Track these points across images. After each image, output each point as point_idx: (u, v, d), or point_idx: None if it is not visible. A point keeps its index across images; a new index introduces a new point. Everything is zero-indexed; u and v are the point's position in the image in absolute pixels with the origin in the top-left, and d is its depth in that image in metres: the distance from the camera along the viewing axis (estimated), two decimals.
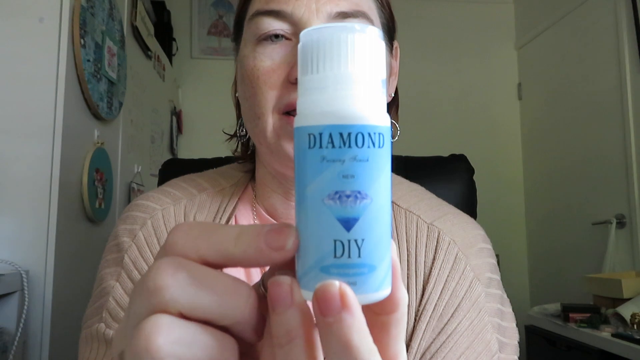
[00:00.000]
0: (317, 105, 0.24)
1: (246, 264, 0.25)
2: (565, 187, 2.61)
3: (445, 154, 1.02)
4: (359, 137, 0.23)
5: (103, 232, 1.46)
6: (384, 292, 0.24)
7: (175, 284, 0.23)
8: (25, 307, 1.09)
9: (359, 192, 0.23)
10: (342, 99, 0.23)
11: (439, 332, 0.54)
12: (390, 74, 0.64)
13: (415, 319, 0.55)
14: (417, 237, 0.59)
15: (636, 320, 1.65)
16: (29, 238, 1.17)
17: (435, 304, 0.55)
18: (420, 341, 0.54)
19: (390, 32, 0.62)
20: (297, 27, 0.54)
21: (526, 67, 3.06)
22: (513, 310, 0.61)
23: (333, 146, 0.23)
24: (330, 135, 0.23)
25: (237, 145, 0.70)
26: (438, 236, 0.59)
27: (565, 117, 2.63)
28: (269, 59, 0.54)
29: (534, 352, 2.10)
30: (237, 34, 0.62)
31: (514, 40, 3.16)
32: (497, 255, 0.68)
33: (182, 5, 2.92)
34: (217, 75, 2.76)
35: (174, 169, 1.00)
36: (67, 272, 1.25)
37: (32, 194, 1.18)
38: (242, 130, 0.66)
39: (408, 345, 0.54)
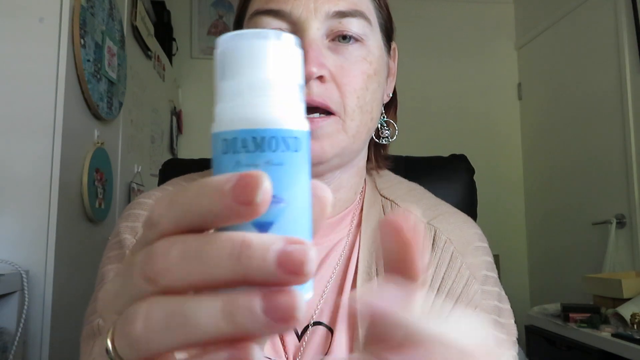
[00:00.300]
0: (232, 111, 0.24)
1: (220, 223, 0.22)
2: (565, 187, 2.61)
3: (446, 154, 1.02)
4: (273, 141, 0.23)
5: (103, 232, 1.46)
6: (306, 296, 0.23)
7: (170, 266, 0.22)
8: (25, 307, 1.09)
9: (274, 197, 0.22)
10: (255, 105, 0.24)
11: None
12: (388, 74, 0.64)
13: None
14: None
15: (636, 320, 1.65)
16: (29, 238, 1.17)
17: (432, 302, 0.55)
18: None
19: (388, 33, 0.63)
20: (295, 27, 0.55)
21: (526, 67, 3.06)
22: (513, 310, 0.61)
23: (247, 151, 0.23)
24: (244, 140, 0.23)
25: None
26: (434, 235, 0.60)
27: (565, 117, 2.63)
28: None
29: (534, 352, 2.10)
30: None
31: (514, 40, 3.16)
32: (497, 256, 0.68)
33: (182, 5, 2.92)
34: None
35: (174, 169, 1.00)
36: (67, 272, 1.25)
37: (32, 194, 1.18)
38: None
39: None
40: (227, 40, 0.24)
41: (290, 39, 0.25)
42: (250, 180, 0.21)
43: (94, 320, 0.55)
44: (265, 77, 0.24)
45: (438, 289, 0.56)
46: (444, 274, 0.57)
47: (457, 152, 1.02)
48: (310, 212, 0.24)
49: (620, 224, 2.20)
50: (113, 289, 0.25)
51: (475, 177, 0.97)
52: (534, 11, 2.94)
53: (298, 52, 0.25)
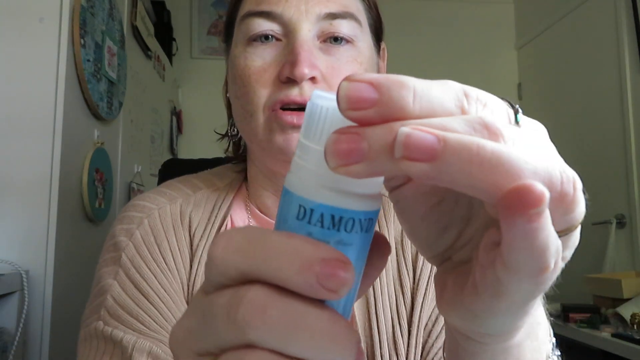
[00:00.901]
0: (316, 180, 0.22)
1: (290, 286, 0.21)
2: None
3: None
4: (349, 223, 0.22)
5: (103, 232, 1.46)
6: None
7: (265, 325, 0.21)
8: (25, 307, 1.09)
9: None
10: (340, 181, 0.22)
11: (435, 304, 0.56)
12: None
13: (412, 296, 0.57)
14: None
15: (636, 320, 1.65)
16: (29, 238, 1.17)
17: (428, 277, 0.57)
18: (420, 314, 0.56)
19: (377, 33, 0.64)
20: (286, 28, 0.55)
21: (526, 67, 3.06)
22: None
23: (322, 226, 0.22)
24: (322, 215, 0.22)
25: (229, 145, 0.71)
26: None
27: (565, 117, 2.63)
28: (260, 58, 0.56)
29: None
30: (227, 35, 0.64)
31: (514, 40, 3.16)
32: None
33: (182, 5, 2.92)
34: (217, 75, 2.76)
35: (174, 169, 1.00)
36: (67, 272, 1.25)
37: (32, 193, 1.18)
38: (234, 130, 0.68)
39: (410, 322, 0.56)
40: (322, 98, 0.23)
41: None
42: (339, 272, 0.20)
43: (90, 322, 0.55)
44: None
45: (430, 269, 0.58)
46: None
47: None
48: (358, 283, 0.25)
49: (620, 224, 2.20)
50: (189, 326, 0.24)
51: None
52: (534, 11, 2.94)
53: None
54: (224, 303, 0.22)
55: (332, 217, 0.22)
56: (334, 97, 0.21)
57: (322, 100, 0.23)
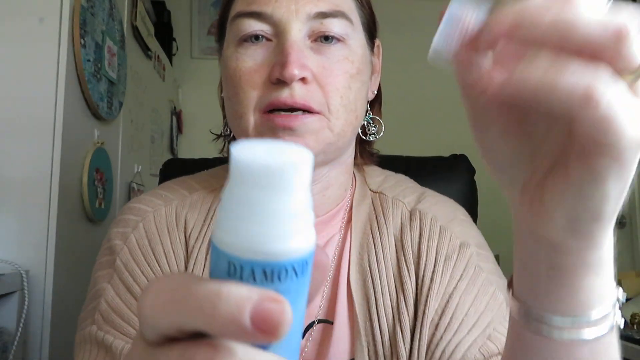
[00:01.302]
0: (243, 234, 0.21)
1: (224, 337, 0.21)
2: None
3: (446, 154, 1.02)
4: (283, 273, 0.22)
5: (103, 232, 1.46)
6: None
7: None
8: (25, 307, 1.09)
9: None
10: (269, 234, 0.21)
11: (442, 296, 0.57)
12: (372, 71, 0.65)
13: (415, 291, 0.58)
14: (402, 220, 0.63)
15: (636, 320, 1.65)
16: (29, 238, 1.16)
17: (432, 271, 0.58)
18: (426, 310, 0.56)
19: (370, 31, 0.64)
20: (277, 28, 0.55)
21: None
22: None
23: (254, 281, 0.21)
24: (253, 271, 0.21)
25: (224, 145, 0.71)
26: (420, 215, 0.62)
27: None
28: (250, 59, 0.56)
29: None
30: (220, 35, 0.64)
31: None
32: (497, 255, 0.68)
33: (182, 5, 2.92)
34: (217, 75, 2.73)
35: (174, 169, 1.00)
36: (67, 272, 1.25)
37: (32, 194, 1.17)
38: (228, 130, 0.67)
39: (415, 318, 0.57)
40: (243, 150, 0.22)
41: (305, 155, 0.22)
42: (274, 312, 0.20)
43: (85, 326, 0.55)
44: (282, 206, 0.21)
45: (435, 260, 0.58)
46: (437, 244, 0.60)
47: (458, 152, 1.02)
48: (301, 329, 0.25)
49: (620, 224, 2.20)
50: None
51: (475, 177, 0.97)
52: None
53: (310, 165, 0.22)
54: None
55: (264, 271, 0.21)
56: (250, 148, 0.22)
57: (239, 153, 0.22)
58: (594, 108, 0.23)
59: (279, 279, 0.22)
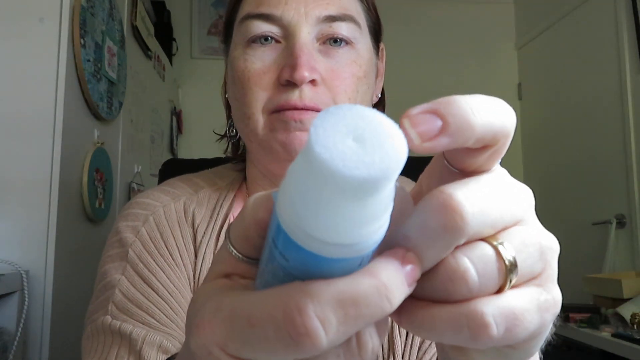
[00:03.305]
0: (299, 217, 0.19)
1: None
2: (565, 187, 2.61)
3: None
4: (353, 262, 0.20)
5: (103, 232, 1.46)
6: None
7: None
8: (25, 307, 1.09)
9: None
10: (325, 227, 0.19)
11: None
12: (376, 75, 0.66)
13: None
14: None
15: (636, 320, 1.65)
16: (29, 238, 1.17)
17: None
18: None
19: (376, 34, 0.64)
20: (286, 31, 0.56)
21: (526, 67, 3.06)
22: None
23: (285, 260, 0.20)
24: (286, 246, 0.20)
25: (228, 145, 0.72)
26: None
27: (565, 117, 2.63)
28: (259, 61, 0.56)
29: None
30: (226, 36, 0.64)
31: (514, 40, 3.16)
32: None
33: (182, 5, 2.92)
34: (217, 75, 2.75)
35: (174, 169, 1.00)
36: (67, 272, 1.25)
37: (32, 193, 1.18)
38: (232, 131, 0.68)
39: None
40: (332, 149, 0.17)
41: (403, 153, 0.18)
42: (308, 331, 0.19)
43: (97, 318, 0.55)
44: (368, 211, 0.19)
45: None
46: None
47: None
48: None
49: (620, 224, 2.20)
50: None
51: None
52: (534, 11, 2.94)
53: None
54: None
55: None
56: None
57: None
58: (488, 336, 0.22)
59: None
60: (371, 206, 0.19)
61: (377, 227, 0.20)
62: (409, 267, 0.20)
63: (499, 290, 0.22)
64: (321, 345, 0.19)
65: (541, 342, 0.26)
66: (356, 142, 0.18)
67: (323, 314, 0.19)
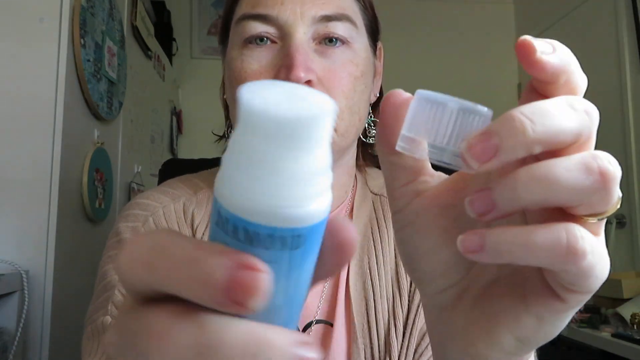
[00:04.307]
0: (236, 187, 0.19)
1: (199, 302, 0.19)
2: None
3: None
4: (268, 239, 0.19)
5: (103, 232, 1.46)
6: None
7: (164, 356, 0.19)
8: (25, 307, 1.09)
9: None
10: (264, 193, 0.18)
11: None
12: (374, 74, 0.66)
13: (409, 299, 0.58)
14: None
15: (636, 321, 1.65)
16: (29, 238, 1.17)
17: None
18: (416, 319, 0.56)
19: (373, 33, 0.64)
20: (282, 31, 0.56)
21: None
22: None
23: (236, 239, 0.19)
24: (235, 227, 0.19)
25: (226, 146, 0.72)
26: None
27: None
28: (256, 61, 0.56)
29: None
30: (223, 37, 0.64)
31: (514, 40, 3.15)
32: None
33: (182, 5, 2.92)
34: (217, 75, 2.74)
35: (174, 169, 1.00)
36: (67, 272, 1.25)
37: (32, 194, 1.18)
38: (231, 131, 0.68)
39: (406, 324, 0.57)
40: (257, 96, 0.18)
41: (328, 105, 0.19)
42: (248, 281, 0.18)
43: (97, 318, 0.55)
44: (290, 165, 0.18)
45: None
46: None
47: None
48: (300, 302, 0.22)
49: (620, 224, 2.20)
50: (112, 340, 0.22)
51: None
52: (534, 11, 2.94)
53: (333, 116, 0.19)
54: (134, 329, 0.20)
55: (246, 230, 0.19)
56: (261, 91, 0.19)
57: (249, 96, 0.19)
58: (580, 261, 0.22)
59: (263, 244, 0.19)
60: (301, 159, 0.18)
61: (312, 192, 0.19)
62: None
63: None
64: None
65: (583, 302, 0.25)
66: (284, 97, 0.19)
67: None
